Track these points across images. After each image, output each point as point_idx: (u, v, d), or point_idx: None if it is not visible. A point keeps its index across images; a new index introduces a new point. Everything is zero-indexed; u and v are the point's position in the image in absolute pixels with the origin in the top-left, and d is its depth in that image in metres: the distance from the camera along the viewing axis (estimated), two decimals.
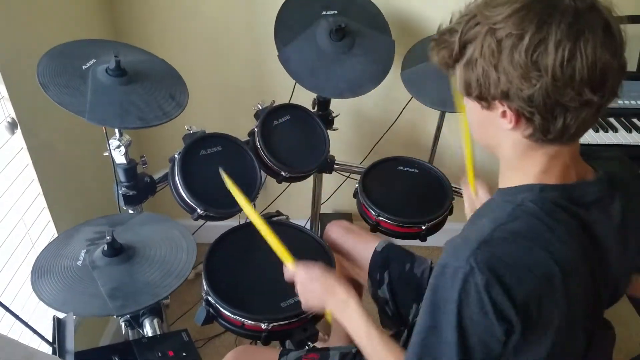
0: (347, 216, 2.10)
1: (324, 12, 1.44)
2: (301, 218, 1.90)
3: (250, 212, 1.06)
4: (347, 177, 1.78)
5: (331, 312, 0.95)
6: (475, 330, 0.68)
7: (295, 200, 1.89)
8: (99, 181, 1.80)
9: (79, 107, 1.00)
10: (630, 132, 1.57)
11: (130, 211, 1.27)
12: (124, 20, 1.65)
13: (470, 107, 0.75)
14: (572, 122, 0.65)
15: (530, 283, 0.67)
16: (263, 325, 1.09)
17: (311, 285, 0.97)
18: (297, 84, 1.53)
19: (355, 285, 1.49)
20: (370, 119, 1.84)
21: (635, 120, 1.62)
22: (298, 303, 1.13)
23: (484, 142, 0.79)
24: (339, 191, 1.94)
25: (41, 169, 1.26)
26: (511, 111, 0.67)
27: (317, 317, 1.16)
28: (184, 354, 0.91)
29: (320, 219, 1.93)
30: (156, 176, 1.32)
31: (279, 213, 1.55)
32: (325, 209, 1.96)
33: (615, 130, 1.58)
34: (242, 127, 1.48)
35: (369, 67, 1.42)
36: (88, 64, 1.08)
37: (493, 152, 0.78)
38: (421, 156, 1.57)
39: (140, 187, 1.25)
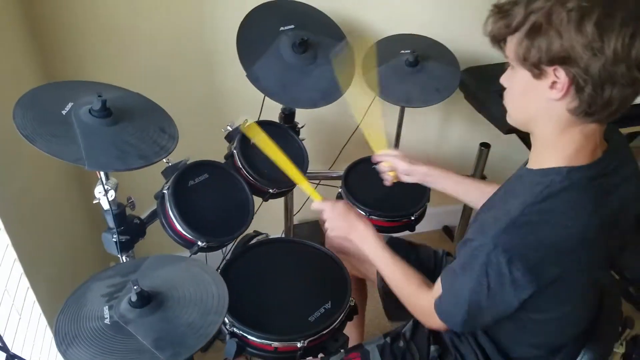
0: (316, 224, 2.13)
1: (282, 28, 1.46)
2: (276, 233, 1.90)
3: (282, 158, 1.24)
4: (318, 184, 1.81)
5: (354, 241, 1.13)
6: (491, 298, 0.81)
7: (266, 217, 1.87)
8: (77, 235, 1.68)
9: (74, 156, 0.93)
10: None
11: (123, 258, 1.20)
12: (62, 60, 1.53)
13: (517, 77, 0.80)
14: (617, 97, 0.73)
15: (554, 260, 0.78)
16: (299, 344, 1.09)
17: (337, 219, 1.15)
18: (265, 99, 1.54)
19: (362, 284, 1.54)
20: (331, 126, 1.89)
21: None
22: (326, 314, 1.15)
23: (522, 116, 0.85)
24: (302, 200, 1.96)
25: (14, 233, 1.14)
26: (566, 78, 0.73)
27: (344, 325, 1.18)
28: None
29: (294, 230, 1.94)
30: (142, 216, 1.25)
31: (257, 232, 1.54)
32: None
33: None
34: (215, 151, 1.45)
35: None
36: (67, 108, 1.01)
37: (528, 127, 0.85)
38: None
39: (131, 230, 1.18)
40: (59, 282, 1.44)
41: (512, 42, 0.79)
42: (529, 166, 0.88)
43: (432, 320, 0.96)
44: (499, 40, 0.81)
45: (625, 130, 2.01)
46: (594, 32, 0.69)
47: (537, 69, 0.76)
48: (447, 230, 2.41)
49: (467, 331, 0.99)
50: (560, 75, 0.74)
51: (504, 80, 0.86)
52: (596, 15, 0.69)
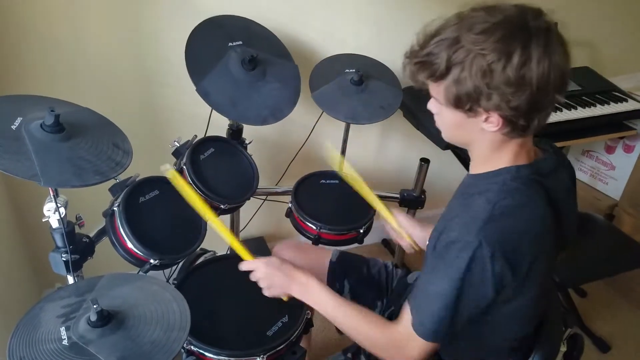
0: (259, 240, 2.16)
1: (230, 44, 1.51)
2: (222, 250, 1.91)
3: (206, 212, 1.17)
4: (264, 199, 1.85)
5: (295, 295, 1.09)
6: (471, 293, 0.88)
7: (212, 234, 1.89)
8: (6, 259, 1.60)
9: (28, 172, 0.92)
10: (570, 110, 2.03)
11: (70, 278, 1.18)
12: (4, 74, 1.49)
13: (449, 114, 0.90)
14: (543, 119, 0.87)
15: (527, 248, 0.88)
16: (258, 359, 1.12)
17: (273, 275, 1.10)
18: (212, 114, 1.58)
19: None
20: (277, 142, 1.95)
21: (567, 101, 2.06)
22: (283, 328, 1.19)
23: (457, 139, 0.96)
24: (248, 217, 2.00)
25: None
26: (499, 117, 0.85)
27: (301, 337, 1.23)
28: None
29: None
30: (91, 234, 1.24)
31: (204, 250, 1.56)
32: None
33: (560, 110, 2.00)
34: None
35: (284, 91, 1.54)
36: (16, 123, 1.00)
37: (465, 146, 0.97)
38: (330, 169, 1.73)
39: (80, 249, 1.17)
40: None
41: (439, 87, 0.87)
42: (473, 172, 0.98)
43: (403, 352, 0.96)
44: (420, 85, 0.90)
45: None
46: (516, 77, 0.80)
47: (470, 111, 0.86)
48: (387, 244, 2.53)
49: (441, 338, 0.94)
50: (493, 115, 0.85)
51: (431, 107, 0.95)
52: (515, 62, 0.79)
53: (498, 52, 0.79)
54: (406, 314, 0.96)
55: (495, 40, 0.80)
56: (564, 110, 2.03)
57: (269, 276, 1.10)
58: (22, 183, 1.65)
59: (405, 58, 0.91)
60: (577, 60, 2.32)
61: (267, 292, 1.12)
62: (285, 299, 1.13)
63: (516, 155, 0.92)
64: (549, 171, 0.95)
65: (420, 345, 0.94)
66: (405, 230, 1.30)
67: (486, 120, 0.87)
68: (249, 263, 1.14)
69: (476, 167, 0.98)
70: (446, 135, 0.97)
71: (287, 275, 1.09)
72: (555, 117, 1.98)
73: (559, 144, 2.07)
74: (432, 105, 0.95)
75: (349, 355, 1.18)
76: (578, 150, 2.53)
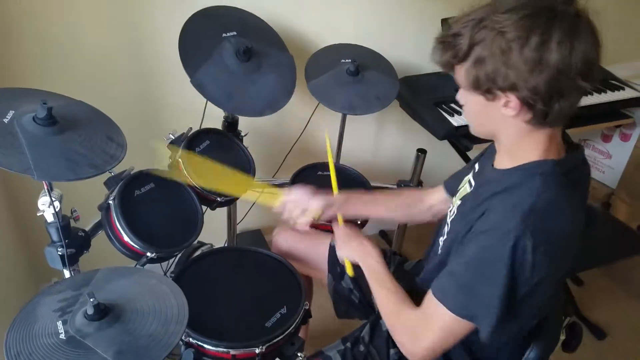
0: (258, 232, 2.17)
1: (224, 34, 1.50)
2: (219, 243, 1.91)
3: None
4: (261, 192, 1.85)
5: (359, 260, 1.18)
6: (517, 283, 0.86)
7: (208, 227, 1.89)
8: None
9: (21, 166, 0.92)
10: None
11: (67, 272, 1.18)
12: None
13: (472, 100, 0.90)
14: (566, 105, 0.84)
15: (565, 245, 0.87)
16: (257, 350, 1.13)
17: (348, 240, 1.22)
18: (207, 106, 1.57)
19: (307, 283, 1.60)
20: (273, 134, 1.95)
21: None
22: (282, 319, 1.20)
23: (483, 129, 0.95)
24: (245, 209, 2.00)
25: None
26: (517, 100, 0.83)
27: (299, 328, 1.24)
28: None
29: (237, 239, 1.97)
30: (87, 228, 1.24)
31: (201, 243, 1.56)
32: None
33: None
34: (159, 159, 1.46)
35: (280, 82, 1.53)
36: (8, 117, 0.99)
37: (492, 137, 0.96)
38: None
39: (76, 243, 1.17)
40: None
41: (461, 70, 0.88)
42: (500, 167, 0.97)
43: (418, 338, 0.96)
44: (448, 69, 0.90)
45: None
46: (534, 57, 0.79)
47: (489, 94, 0.86)
48: (384, 235, 2.54)
49: (492, 339, 0.90)
50: (511, 98, 0.84)
51: (460, 98, 0.95)
52: (534, 42, 0.79)
53: (518, 30, 0.79)
54: (431, 299, 0.94)
55: (518, 19, 0.79)
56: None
57: (346, 240, 1.22)
58: (16, 177, 1.65)
59: (435, 41, 0.90)
60: None
61: (340, 252, 1.23)
62: (351, 273, 1.22)
63: (546, 149, 0.90)
64: (577, 165, 0.94)
65: (431, 334, 0.94)
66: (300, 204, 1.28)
67: (505, 105, 0.86)
68: (336, 228, 1.26)
69: (503, 161, 0.96)
70: (472, 126, 0.97)
71: (358, 241, 1.20)
72: None
73: (573, 131, 2.08)
74: (459, 96, 0.95)
75: (348, 344, 1.19)
76: (574, 139, 2.54)
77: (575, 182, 0.93)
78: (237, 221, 1.90)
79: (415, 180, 1.93)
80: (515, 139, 0.92)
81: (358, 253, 1.18)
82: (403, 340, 1.01)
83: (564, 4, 0.81)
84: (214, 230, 1.91)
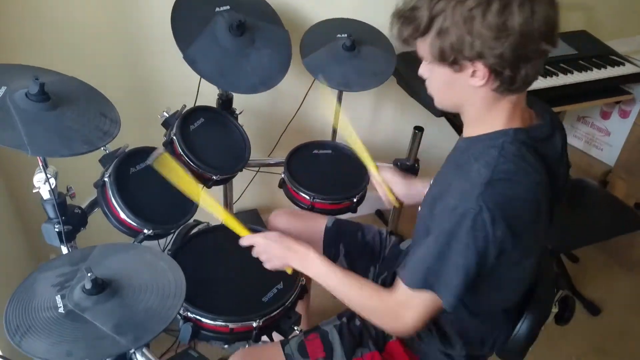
0: (253, 212, 2.18)
1: (217, 9, 1.49)
2: (215, 222, 1.92)
3: (200, 194, 1.18)
4: (257, 171, 1.86)
5: (295, 267, 1.11)
6: (478, 257, 0.88)
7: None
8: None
9: (15, 142, 0.93)
10: (566, 74, 2.02)
11: (64, 249, 1.19)
12: None
13: (436, 71, 0.90)
14: (532, 71, 0.85)
15: (526, 213, 0.89)
16: (254, 324, 1.15)
17: (271, 248, 1.12)
18: (200, 84, 1.57)
19: None
20: (268, 113, 1.95)
21: (563, 65, 2.06)
22: (278, 294, 1.22)
23: (449, 102, 0.95)
24: (240, 189, 2.01)
25: None
26: (485, 68, 0.84)
27: (296, 303, 1.26)
28: None
29: None
30: (83, 205, 1.25)
31: (197, 222, 1.57)
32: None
33: (556, 75, 2.01)
34: (153, 138, 1.46)
35: (274, 58, 1.52)
36: (0, 92, 0.99)
37: (458, 110, 0.96)
38: (324, 138, 1.74)
39: (73, 220, 1.18)
40: None
41: (424, 43, 0.87)
42: (467, 135, 0.98)
43: (402, 320, 0.98)
44: (409, 43, 0.89)
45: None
46: (497, 23, 0.79)
47: (456, 65, 0.86)
48: (380, 214, 2.56)
49: (456, 307, 0.93)
50: (478, 67, 0.85)
51: (423, 71, 0.95)
52: (496, 7, 0.79)
53: (477, 2, 0.79)
54: (401, 283, 0.97)
55: None
56: (560, 74, 2.03)
57: (268, 250, 1.12)
58: (10, 155, 1.65)
59: (392, 17, 0.90)
60: (573, 24, 2.33)
61: (268, 265, 1.13)
62: (289, 271, 1.14)
63: (510, 117, 0.92)
64: (545, 137, 0.96)
65: (415, 313, 0.96)
66: (388, 184, 1.32)
67: (473, 74, 0.86)
68: (248, 238, 1.15)
69: (470, 130, 0.97)
70: (438, 100, 0.97)
71: (286, 248, 1.10)
72: (550, 81, 1.99)
73: (554, 109, 2.09)
74: (422, 70, 0.95)
75: (344, 319, 1.21)
76: (573, 117, 2.55)
77: (542, 151, 0.94)
78: (234, 200, 1.91)
79: (412, 159, 1.94)
80: (481, 109, 0.92)
81: (293, 260, 1.11)
82: (384, 323, 1.03)
83: None
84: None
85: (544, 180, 0.92)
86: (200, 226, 1.56)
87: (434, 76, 0.93)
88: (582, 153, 2.54)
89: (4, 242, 1.63)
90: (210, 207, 1.16)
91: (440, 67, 0.89)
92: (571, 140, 2.58)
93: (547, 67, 2.04)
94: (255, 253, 1.14)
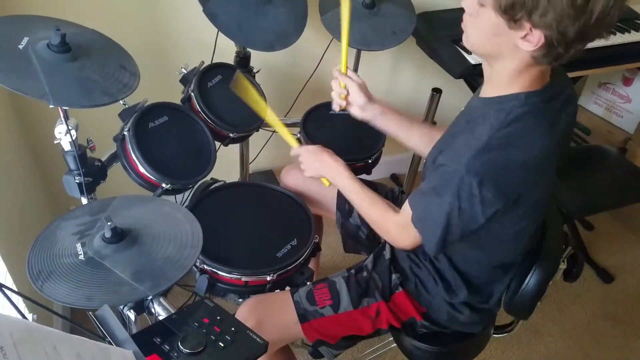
0: (270, 173, 2.19)
1: None
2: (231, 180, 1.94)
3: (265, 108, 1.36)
4: (273, 132, 1.85)
5: (327, 177, 1.24)
6: (461, 217, 0.92)
7: (221, 165, 1.91)
8: (26, 183, 1.64)
9: (37, 92, 0.93)
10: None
11: (84, 200, 1.21)
12: None
13: (487, 16, 0.83)
14: (580, 49, 0.82)
15: (522, 178, 0.89)
16: (268, 278, 1.17)
17: (309, 159, 1.26)
18: (217, 39, 1.55)
19: (318, 221, 1.63)
20: (285, 73, 1.92)
21: None
22: (292, 250, 1.23)
23: (483, 49, 0.91)
24: (257, 149, 2.01)
25: None
26: (542, 37, 0.79)
27: (309, 259, 1.27)
28: (218, 318, 0.96)
29: (248, 179, 1.99)
30: (102, 158, 1.26)
31: (214, 180, 1.58)
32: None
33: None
34: (171, 93, 1.46)
35: (292, 17, 1.50)
36: (23, 43, 0.99)
37: (487, 60, 0.93)
38: None
39: (93, 172, 1.19)
40: (12, 233, 1.43)
41: None
42: (483, 95, 0.97)
43: (401, 238, 1.09)
44: None
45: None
46: (584, 5, 0.75)
47: (513, 22, 0.81)
48: (395, 178, 2.55)
49: (438, 253, 1.03)
50: (535, 34, 0.80)
51: (467, 4, 0.87)
52: None
53: None
54: (405, 208, 1.04)
55: None
56: None
57: (307, 160, 1.26)
58: (31, 108, 1.67)
59: None
60: None
61: (306, 173, 1.27)
62: (325, 183, 1.26)
63: (533, 81, 0.90)
64: (557, 94, 0.94)
65: (411, 235, 1.03)
66: (349, 87, 1.27)
67: (525, 37, 0.82)
68: (295, 149, 1.28)
69: (488, 90, 0.96)
70: (473, 40, 0.91)
71: (321, 161, 1.23)
72: None
73: (575, 74, 2.03)
74: (468, 3, 0.87)
75: (352, 271, 1.24)
76: (595, 83, 2.48)
77: (556, 108, 0.93)
78: (250, 160, 1.91)
79: (429, 121, 1.91)
80: (512, 70, 0.89)
81: (325, 172, 1.23)
82: (389, 238, 1.15)
83: None
84: (227, 169, 1.94)
85: (550, 141, 0.90)
86: (217, 184, 1.58)
87: (482, 18, 0.86)
88: (602, 120, 2.49)
89: (26, 192, 1.67)
90: (273, 122, 1.34)
91: (496, 15, 0.83)
92: (591, 107, 2.53)
93: None
94: (299, 161, 1.27)
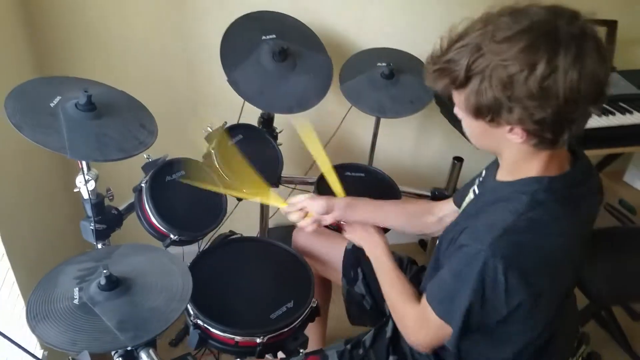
0: (290, 228, 2.21)
1: (263, 37, 1.57)
2: (249, 234, 1.98)
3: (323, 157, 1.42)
4: (293, 189, 1.90)
5: (365, 248, 1.25)
6: (484, 305, 0.86)
7: (242, 218, 1.97)
8: (58, 221, 1.77)
9: (57, 145, 1.02)
10: (624, 114, 1.92)
11: (99, 246, 1.28)
12: (53, 58, 1.65)
13: (472, 123, 0.85)
14: (576, 130, 0.81)
15: (547, 266, 0.85)
16: (258, 340, 1.17)
17: (359, 226, 1.28)
18: (244, 104, 1.64)
19: (326, 286, 1.62)
20: None
21: (622, 104, 1.95)
22: (287, 313, 1.22)
23: (484, 148, 0.92)
24: None
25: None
26: (522, 131, 0.80)
27: (305, 324, 1.26)
28: None
29: (268, 233, 2.03)
30: (120, 207, 1.34)
31: (232, 232, 1.63)
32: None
33: (613, 114, 1.91)
34: (196, 150, 1.54)
35: (313, 83, 1.59)
36: (55, 101, 1.10)
37: (494, 153, 0.93)
38: (360, 162, 1.75)
39: (108, 220, 1.26)
40: (38, 264, 1.52)
41: (460, 95, 0.84)
42: (501, 179, 0.95)
43: (414, 334, 1.02)
44: (444, 94, 0.86)
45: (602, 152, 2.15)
46: (540, 88, 0.74)
47: (492, 122, 0.82)
48: (423, 244, 2.51)
49: (456, 347, 0.94)
50: (516, 128, 0.80)
51: (457, 112, 0.91)
52: (539, 75, 0.73)
53: (520, 62, 0.74)
54: (423, 300, 0.97)
55: (518, 50, 0.74)
56: (617, 114, 1.92)
57: (354, 225, 1.28)
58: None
59: (427, 63, 0.87)
60: (638, 61, 2.19)
61: (346, 234, 1.31)
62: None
63: (547, 165, 0.88)
64: (579, 181, 0.91)
65: (430, 332, 0.96)
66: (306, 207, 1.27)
67: (510, 131, 0.82)
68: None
69: (504, 175, 0.94)
70: (473, 141, 0.94)
71: (367, 230, 1.26)
72: (606, 121, 1.88)
73: (611, 151, 1.96)
74: (457, 111, 0.91)
75: (348, 346, 1.20)
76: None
77: (579, 195, 0.90)
78: (269, 215, 1.96)
79: (450, 189, 1.90)
80: (518, 158, 0.88)
81: (364, 241, 1.24)
82: (405, 331, 1.06)
83: (568, 24, 0.75)
84: (248, 222, 1.99)
85: (575, 230, 0.88)
86: (235, 236, 1.62)
87: (467, 122, 0.89)
88: None
89: (61, 229, 1.77)
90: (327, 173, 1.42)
91: (474, 120, 0.85)
92: (638, 184, 2.43)
93: (604, 105, 1.93)
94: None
